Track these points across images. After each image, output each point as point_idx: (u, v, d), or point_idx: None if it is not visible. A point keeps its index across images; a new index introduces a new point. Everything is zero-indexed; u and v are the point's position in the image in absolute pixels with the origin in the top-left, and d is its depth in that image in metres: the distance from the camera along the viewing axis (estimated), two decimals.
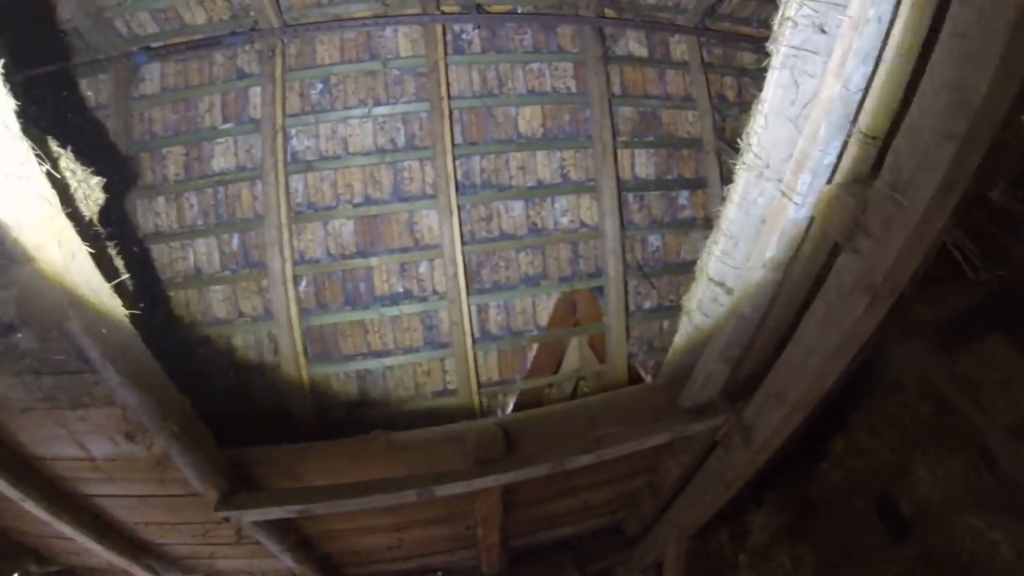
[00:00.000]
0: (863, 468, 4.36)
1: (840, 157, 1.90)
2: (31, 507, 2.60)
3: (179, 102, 4.43)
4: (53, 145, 2.31)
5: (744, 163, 2.19)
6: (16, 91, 1.46)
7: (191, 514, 2.92)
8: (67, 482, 2.68)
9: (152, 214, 4.40)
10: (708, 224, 5.00)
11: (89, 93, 4.47)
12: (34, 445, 2.46)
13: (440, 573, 4.33)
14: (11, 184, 1.41)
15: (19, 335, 1.58)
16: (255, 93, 4.36)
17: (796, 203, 1.98)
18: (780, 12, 1.79)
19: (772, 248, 2.14)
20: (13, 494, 2.53)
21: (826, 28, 1.73)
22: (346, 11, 4.46)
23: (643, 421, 2.99)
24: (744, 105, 5.22)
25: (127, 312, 1.92)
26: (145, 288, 4.34)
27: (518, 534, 4.12)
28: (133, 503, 2.85)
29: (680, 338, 2.96)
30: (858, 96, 1.76)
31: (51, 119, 4.37)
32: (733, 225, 2.33)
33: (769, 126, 2.03)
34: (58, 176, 1.58)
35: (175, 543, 3.28)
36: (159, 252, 4.40)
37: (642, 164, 4.89)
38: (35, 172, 1.48)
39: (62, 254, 1.62)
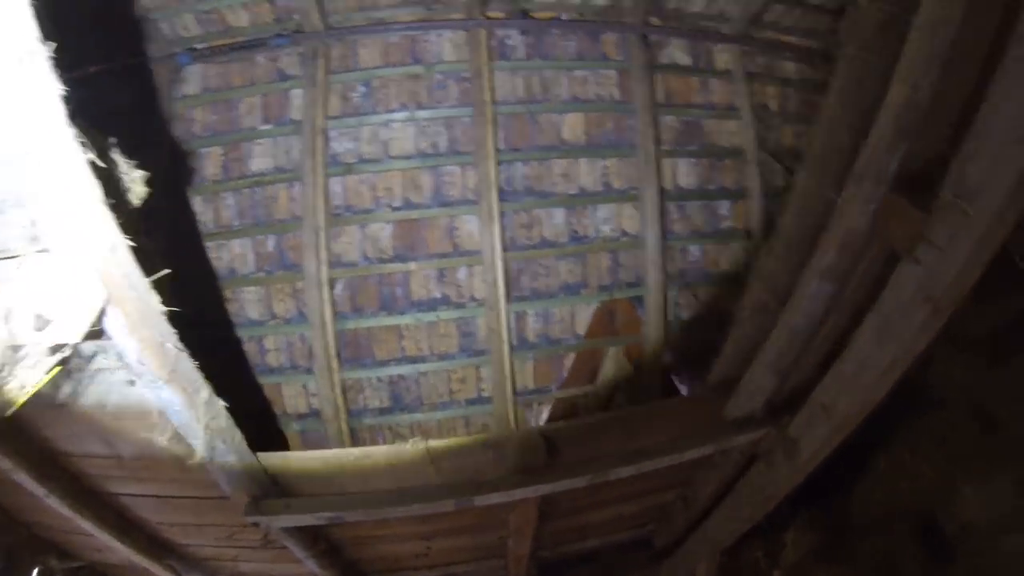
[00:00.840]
0: (905, 488, 4.19)
1: (903, 164, 1.80)
2: (54, 503, 2.53)
3: (220, 103, 4.43)
4: (98, 137, 2.29)
5: (803, 169, 2.12)
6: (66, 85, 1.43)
7: (218, 517, 2.85)
8: (92, 479, 2.63)
9: (189, 213, 4.37)
10: (749, 235, 4.89)
11: (133, 92, 4.48)
12: (61, 441, 2.40)
13: None
14: (55, 171, 1.35)
15: (53, 329, 1.49)
16: (296, 95, 4.34)
17: (855, 212, 1.90)
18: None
19: (828, 257, 2.07)
20: (38, 490, 2.47)
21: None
22: (391, 15, 4.44)
23: (686, 432, 2.90)
24: (787, 115, 5.12)
25: (164, 309, 1.85)
26: (179, 286, 4.30)
27: (548, 545, 4.01)
28: (158, 503, 2.79)
29: (728, 347, 2.89)
30: (924, 101, 1.67)
31: (95, 116, 4.40)
32: (789, 232, 2.27)
33: (829, 132, 1.97)
34: (102, 166, 1.49)
35: (199, 544, 3.22)
36: (194, 250, 4.36)
37: (684, 173, 4.80)
38: (79, 160, 1.43)
39: (102, 246, 1.56)
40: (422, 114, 4.32)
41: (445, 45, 4.45)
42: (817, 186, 2.11)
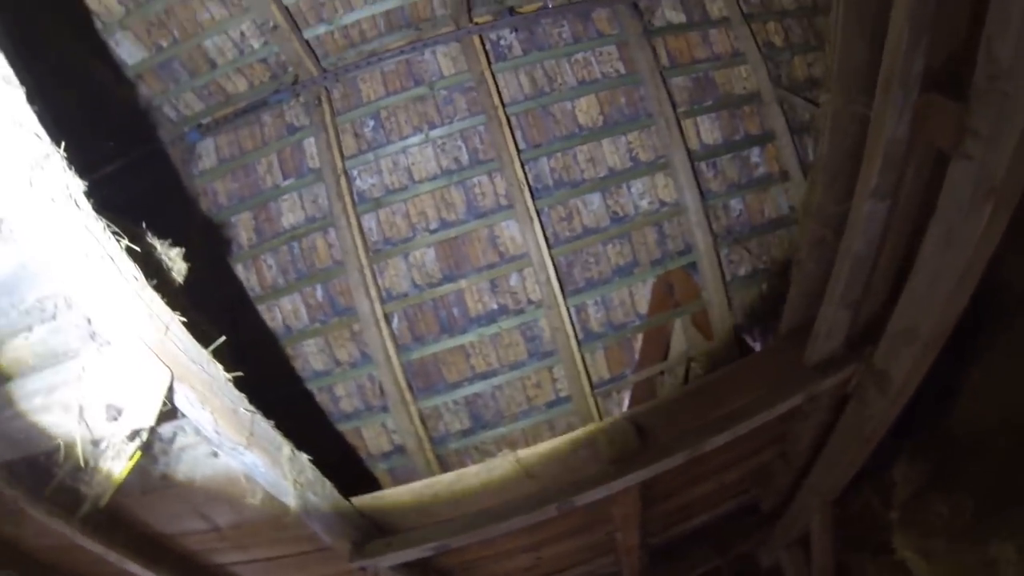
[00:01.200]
0: (1005, 396, 3.99)
1: (928, 61, 1.70)
2: None
3: (238, 170, 4.46)
4: (128, 225, 2.31)
5: (828, 92, 2.03)
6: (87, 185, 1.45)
7: (324, 568, 2.82)
8: (198, 556, 2.65)
9: (233, 282, 4.40)
10: (785, 176, 4.75)
11: (153, 179, 4.53)
12: (160, 524, 2.43)
13: None
14: (92, 263, 1.37)
15: (126, 417, 1.49)
16: (310, 144, 4.35)
17: (891, 121, 1.80)
18: None
19: (875, 174, 1.96)
20: (146, 575, 2.48)
21: None
22: (381, 45, 4.44)
23: (771, 387, 2.80)
24: (793, 47, 4.97)
25: (230, 376, 1.85)
26: (239, 354, 4.32)
27: (655, 531, 3.93)
28: (265, 566, 2.79)
29: (793, 292, 2.78)
30: None
31: (122, 208, 4.47)
32: (828, 160, 2.17)
33: (845, 48, 1.88)
34: (138, 250, 1.52)
35: None
36: (247, 317, 4.38)
37: (707, 130, 4.68)
38: (115, 249, 1.44)
39: (155, 327, 1.57)
40: (436, 133, 4.28)
41: (441, 60, 4.42)
42: (846, 106, 2.02)
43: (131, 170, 4.65)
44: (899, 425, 3.64)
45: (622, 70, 4.55)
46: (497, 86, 4.33)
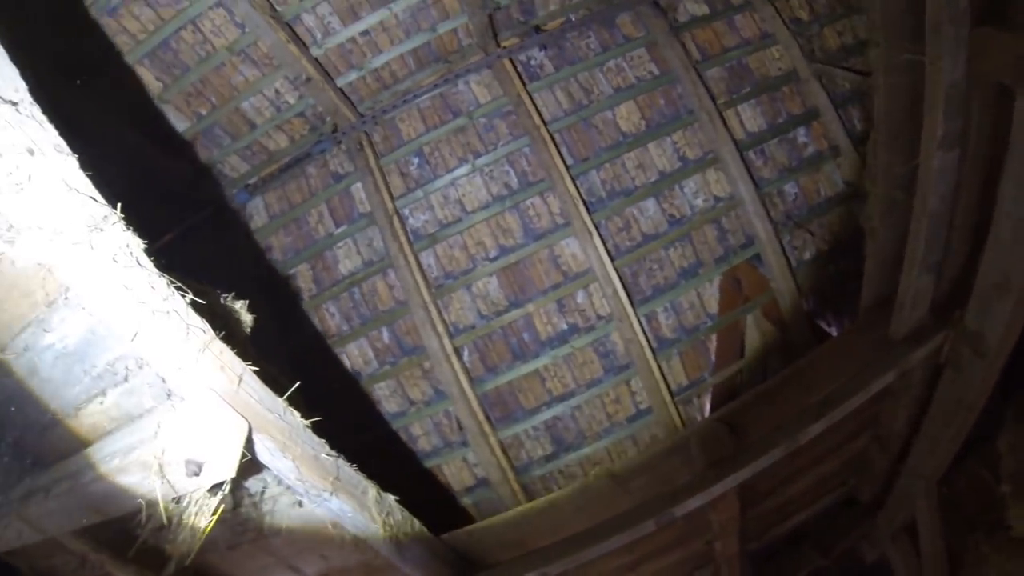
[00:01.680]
0: None
1: None
2: None
3: (290, 223, 4.51)
4: (192, 282, 2.32)
5: (875, 46, 1.96)
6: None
7: None
8: None
9: (299, 335, 4.42)
10: (836, 151, 4.61)
11: (210, 242, 4.61)
12: None
13: None
14: (159, 320, 1.37)
15: (207, 471, 1.47)
16: (357, 189, 4.37)
17: (948, 63, 1.72)
18: None
19: (940, 124, 1.87)
20: None
21: None
22: (414, 82, 4.46)
23: (861, 368, 2.69)
24: (821, 18, 4.85)
25: (307, 422, 1.81)
26: (313, 404, 4.33)
27: (754, 535, 3.80)
28: None
29: (870, 264, 2.67)
30: None
31: (183, 273, 4.56)
32: (888, 119, 2.08)
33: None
34: (203, 303, 1.51)
35: None
36: (316, 367, 4.38)
37: (750, 118, 4.57)
38: (180, 305, 1.44)
39: (228, 379, 1.55)
40: (482, 161, 4.27)
41: (476, 89, 4.42)
42: (897, 56, 1.93)
43: (188, 237, 4.75)
44: (999, 391, 3.45)
45: (656, 71, 4.50)
46: (535, 106, 4.31)
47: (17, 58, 1.25)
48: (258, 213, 4.61)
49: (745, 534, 3.46)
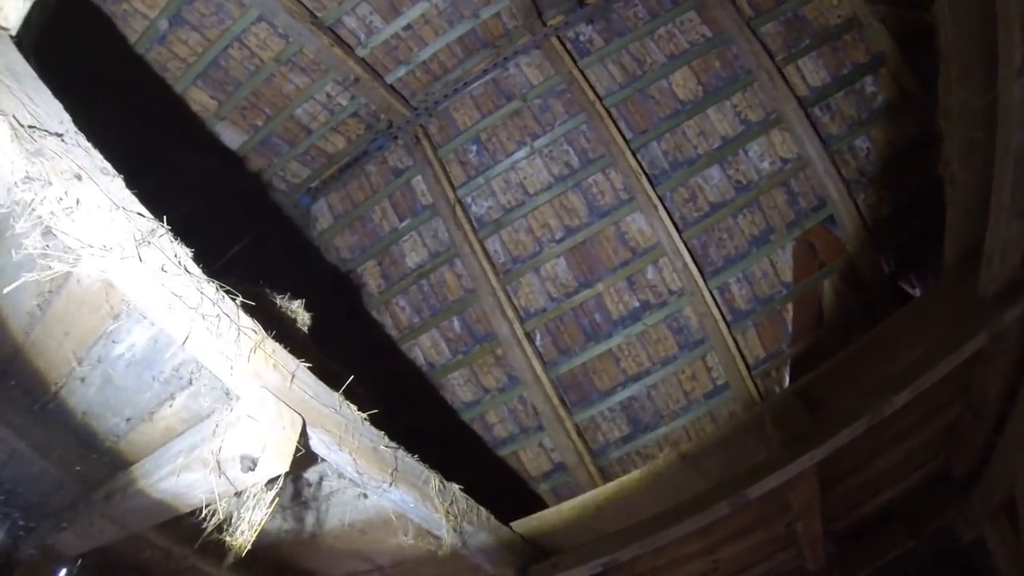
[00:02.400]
0: None
1: None
2: None
3: (355, 222, 4.61)
4: (247, 286, 2.39)
5: None
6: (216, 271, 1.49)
7: None
8: None
9: (370, 330, 4.53)
10: (908, 98, 4.33)
11: (278, 249, 4.77)
12: (323, 569, 2.47)
13: None
14: (210, 323, 1.42)
15: (262, 466, 1.51)
16: (418, 182, 4.42)
17: None
18: None
19: (1019, 48, 1.62)
20: None
21: None
22: (464, 71, 4.46)
23: (948, 331, 2.42)
24: None
25: (365, 416, 1.83)
26: (388, 398, 4.44)
27: (839, 515, 3.57)
28: None
29: (952, 214, 2.37)
30: None
31: (255, 281, 4.75)
32: (958, 49, 1.87)
33: None
34: (252, 304, 1.55)
35: None
36: (390, 361, 4.49)
37: (812, 72, 4.36)
38: (230, 308, 1.49)
39: (281, 376, 1.59)
40: (540, 142, 4.25)
41: (527, 71, 4.39)
42: None
43: (256, 246, 4.93)
44: None
45: (708, 33, 4.34)
46: (588, 82, 4.25)
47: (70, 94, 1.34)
48: (322, 215, 4.73)
49: (828, 514, 3.26)
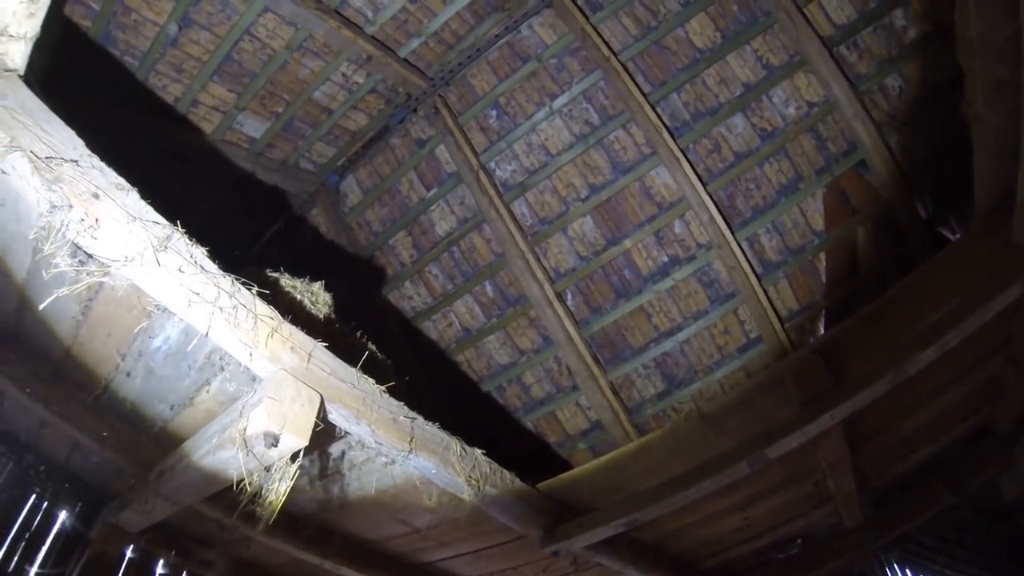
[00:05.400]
0: None
1: None
2: None
3: (383, 195, 4.69)
4: (264, 274, 2.48)
5: None
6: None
7: (526, 555, 2.84)
8: (406, 556, 2.78)
9: (406, 300, 4.63)
10: (943, 31, 4.13)
11: (311, 229, 4.90)
12: (364, 532, 2.59)
13: (800, 539, 3.81)
14: (228, 313, 1.53)
15: (284, 441, 1.61)
16: (441, 151, 4.47)
17: None
18: None
19: None
20: None
21: None
22: (477, 37, 4.46)
23: (980, 282, 2.29)
24: None
25: (383, 388, 1.91)
26: (429, 367, 4.56)
27: (874, 472, 3.47)
28: (472, 559, 2.85)
29: (980, 158, 2.21)
30: None
31: (289, 263, 4.90)
32: None
33: None
34: (267, 293, 1.66)
35: None
36: (428, 330, 4.59)
37: (835, 8, 4.14)
38: (247, 298, 1.59)
39: (298, 357, 1.69)
40: (559, 102, 4.23)
41: (540, 31, 4.35)
42: None
43: (290, 228, 5.08)
44: None
45: None
46: (602, 37, 4.18)
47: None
48: (352, 191, 4.83)
49: (862, 471, 3.18)
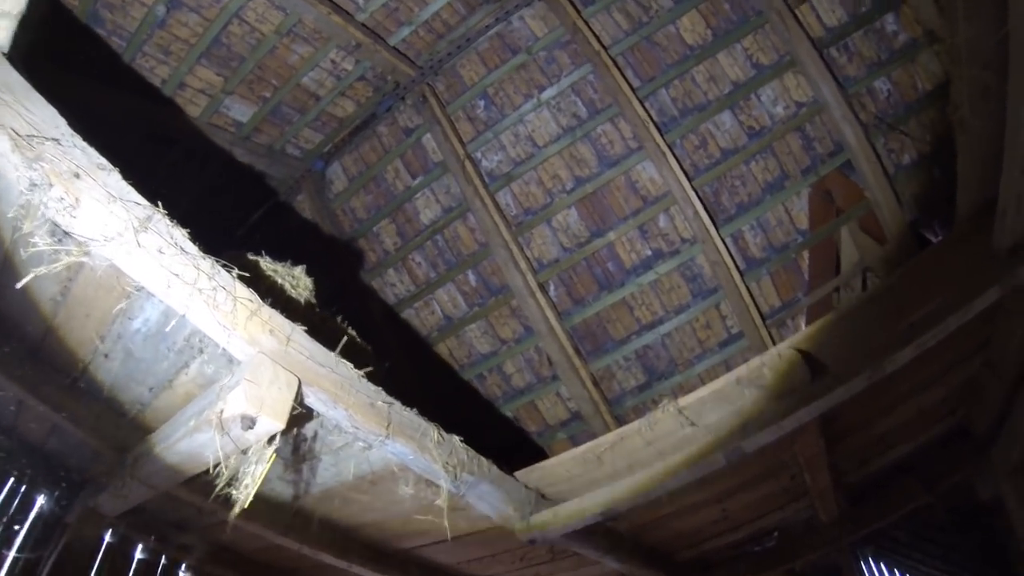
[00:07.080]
0: None
1: None
2: (358, 570, 2.75)
3: (369, 183, 4.68)
4: (245, 258, 2.47)
5: None
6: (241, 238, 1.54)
7: (504, 543, 2.86)
8: (383, 543, 2.79)
9: (389, 287, 4.64)
10: (933, 37, 4.16)
11: (296, 215, 4.88)
12: (345, 519, 2.60)
13: (776, 532, 3.89)
14: (207, 296, 1.53)
15: (260, 424, 1.61)
16: (428, 140, 4.46)
17: None
18: None
19: None
20: (340, 564, 2.69)
21: None
22: (468, 28, 4.43)
23: (959, 285, 2.32)
24: None
25: (362, 372, 1.91)
26: (411, 354, 4.57)
27: (849, 468, 3.55)
28: (448, 547, 2.83)
29: (964, 162, 2.24)
30: None
31: (275, 247, 4.88)
32: None
33: None
34: (247, 276, 1.66)
35: (500, 573, 3.27)
36: (409, 318, 4.60)
37: (826, 10, 4.18)
38: (226, 280, 1.58)
39: (277, 340, 1.69)
40: (547, 95, 4.23)
41: (531, 23, 4.33)
42: None
43: (275, 213, 5.05)
44: None
45: None
46: (593, 31, 4.18)
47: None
48: (337, 178, 4.81)
49: (837, 467, 3.25)
